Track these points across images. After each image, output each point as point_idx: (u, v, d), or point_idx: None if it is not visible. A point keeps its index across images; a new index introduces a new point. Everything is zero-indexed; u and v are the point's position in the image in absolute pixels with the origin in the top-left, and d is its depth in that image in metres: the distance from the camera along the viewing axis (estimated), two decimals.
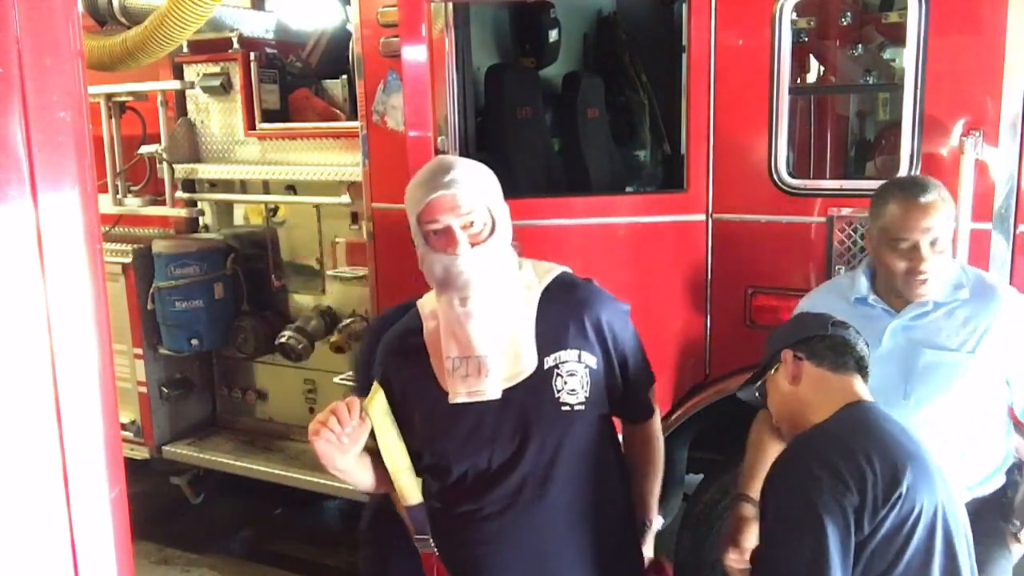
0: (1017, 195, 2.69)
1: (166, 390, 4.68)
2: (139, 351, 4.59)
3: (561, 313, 1.97)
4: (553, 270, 2.03)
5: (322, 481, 4.21)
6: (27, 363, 1.13)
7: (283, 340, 4.33)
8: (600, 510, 2.01)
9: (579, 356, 1.95)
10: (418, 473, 2.06)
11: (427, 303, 2.04)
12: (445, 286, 1.90)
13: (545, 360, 1.94)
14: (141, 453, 4.69)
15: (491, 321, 1.90)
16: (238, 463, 4.50)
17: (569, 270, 2.08)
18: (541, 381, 1.93)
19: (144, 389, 4.63)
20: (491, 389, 1.90)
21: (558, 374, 1.93)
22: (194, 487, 4.90)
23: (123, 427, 4.53)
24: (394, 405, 2.01)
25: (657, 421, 2.22)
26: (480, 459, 1.95)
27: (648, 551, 2.21)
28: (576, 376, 1.94)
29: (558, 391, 1.92)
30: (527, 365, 1.92)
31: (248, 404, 4.82)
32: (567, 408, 1.93)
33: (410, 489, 2.05)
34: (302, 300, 4.57)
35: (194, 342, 4.47)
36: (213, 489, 5.00)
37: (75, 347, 1.17)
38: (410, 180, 1.93)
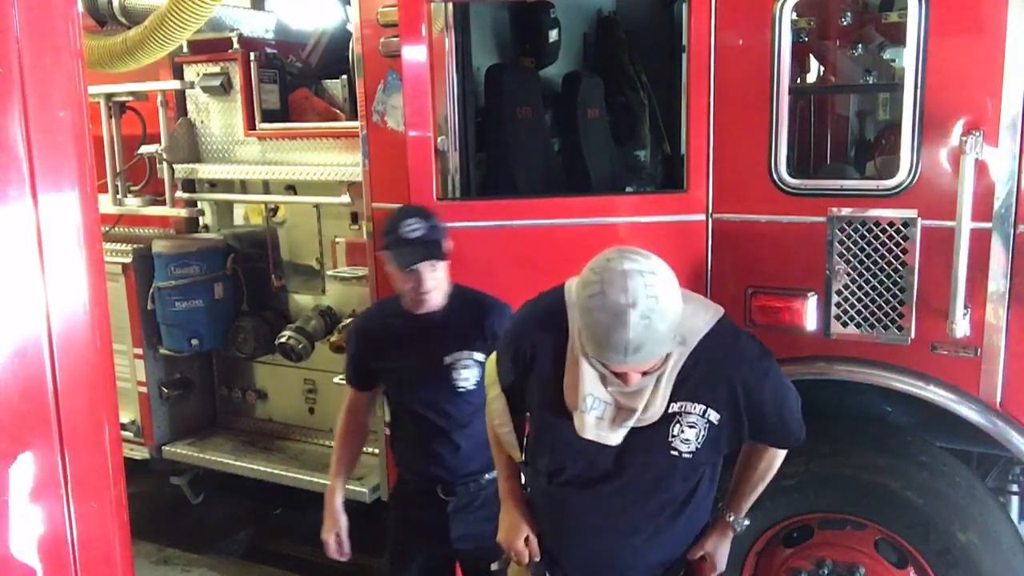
0: (1017, 195, 2.68)
1: (166, 390, 4.68)
2: (139, 351, 4.59)
3: (705, 368, 2.00)
4: (710, 322, 2.03)
5: (322, 481, 4.20)
6: (27, 363, 1.13)
7: (283, 340, 4.33)
8: (668, 531, 2.15)
9: (704, 412, 2.01)
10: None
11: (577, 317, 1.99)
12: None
13: (671, 405, 2.01)
14: (141, 453, 4.69)
15: (641, 388, 1.96)
16: (238, 463, 4.50)
17: (725, 313, 2.07)
18: (661, 422, 2.02)
19: (144, 389, 4.63)
20: (617, 440, 2.01)
21: (678, 422, 2.01)
22: (194, 487, 4.90)
23: (123, 427, 4.53)
24: (520, 366, 2.18)
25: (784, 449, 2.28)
26: (579, 466, 2.11)
27: (710, 547, 2.27)
28: (695, 428, 2.01)
29: (672, 436, 2.01)
30: (653, 415, 1.99)
31: (248, 404, 4.82)
32: (675, 454, 2.02)
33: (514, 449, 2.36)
34: (302, 300, 4.57)
35: (194, 342, 4.47)
36: (213, 489, 5.00)
37: (75, 347, 1.17)
38: (585, 303, 1.82)
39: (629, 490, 2.06)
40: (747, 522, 2.33)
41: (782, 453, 2.29)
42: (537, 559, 2.26)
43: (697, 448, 2.01)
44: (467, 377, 2.71)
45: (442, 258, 2.63)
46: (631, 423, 1.97)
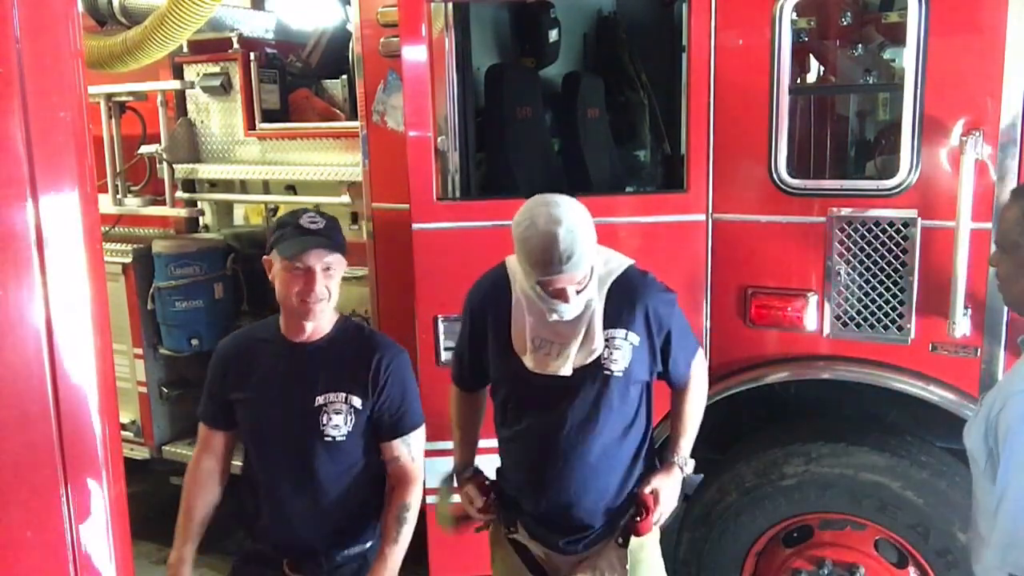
0: None
1: (166, 390, 4.67)
2: (139, 351, 4.58)
3: (621, 300, 2.35)
4: (622, 265, 2.40)
5: None
6: (27, 363, 1.13)
7: None
8: (616, 450, 2.41)
9: (626, 335, 2.34)
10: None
11: (518, 274, 2.34)
12: (546, 305, 2.26)
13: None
14: (141, 453, 4.69)
15: (576, 321, 2.29)
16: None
17: (633, 263, 2.43)
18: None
19: (144, 389, 4.63)
20: (566, 369, 2.31)
21: (608, 347, 2.33)
22: None
23: (123, 427, 4.53)
24: (479, 334, 2.47)
25: (697, 374, 2.54)
26: (536, 400, 2.40)
27: (656, 483, 2.45)
28: (621, 350, 2.33)
29: (605, 359, 2.33)
30: (597, 347, 2.31)
31: None
32: (608, 373, 2.33)
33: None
34: None
35: (194, 342, 4.46)
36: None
37: (75, 347, 1.17)
38: (522, 234, 2.18)
39: (578, 412, 2.35)
40: (692, 462, 2.53)
41: (699, 390, 2.55)
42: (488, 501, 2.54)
43: (626, 367, 2.34)
44: (337, 424, 2.36)
45: (339, 251, 2.35)
46: (573, 351, 2.29)
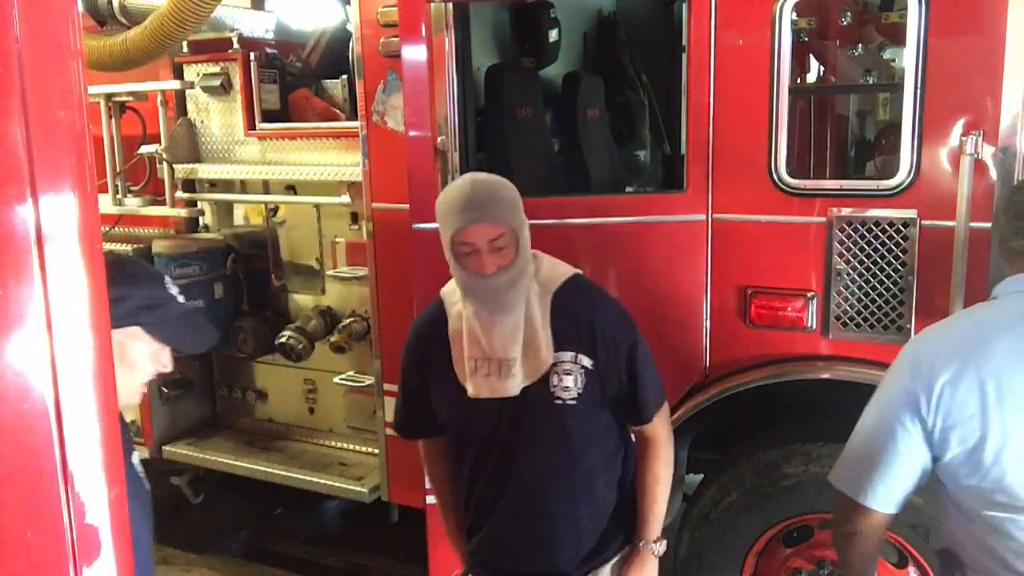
0: None
1: (166, 390, 4.68)
2: None
3: (568, 315, 2.11)
4: (567, 273, 2.18)
5: (322, 481, 4.22)
6: (27, 363, 1.12)
7: (283, 340, 4.33)
8: (586, 487, 2.19)
9: (575, 357, 2.11)
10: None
11: (452, 298, 2.21)
12: (472, 298, 2.10)
13: None
14: (141, 453, 4.69)
15: (513, 328, 2.08)
16: (238, 463, 4.50)
17: (580, 272, 2.22)
18: (541, 378, 2.12)
19: (144, 389, 4.63)
20: (513, 388, 2.09)
21: (555, 372, 2.10)
22: (194, 487, 4.90)
23: None
24: (423, 373, 2.25)
25: (660, 434, 2.27)
26: (488, 440, 2.17)
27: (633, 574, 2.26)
28: (571, 375, 2.10)
29: (554, 387, 2.10)
30: (545, 362, 2.08)
31: (248, 404, 4.82)
32: (559, 402, 2.10)
33: None
34: (302, 300, 4.57)
35: None
36: (213, 489, 5.00)
37: (75, 347, 1.17)
38: (441, 197, 2.08)
39: (533, 449, 2.14)
40: (663, 544, 2.33)
41: (664, 454, 2.27)
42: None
43: (579, 394, 2.09)
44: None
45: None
46: (517, 370, 2.07)
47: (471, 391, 2.11)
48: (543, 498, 2.17)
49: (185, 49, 4.39)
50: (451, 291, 2.23)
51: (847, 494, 1.89)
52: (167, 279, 1.79)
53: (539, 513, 2.19)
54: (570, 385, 2.09)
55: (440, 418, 2.27)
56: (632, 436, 2.32)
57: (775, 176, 2.97)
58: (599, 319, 2.13)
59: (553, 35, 4.17)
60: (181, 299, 1.76)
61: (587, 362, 2.10)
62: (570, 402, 2.10)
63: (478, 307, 2.09)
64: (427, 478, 2.53)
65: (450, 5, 3.24)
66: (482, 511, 2.26)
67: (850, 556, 1.97)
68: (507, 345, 2.07)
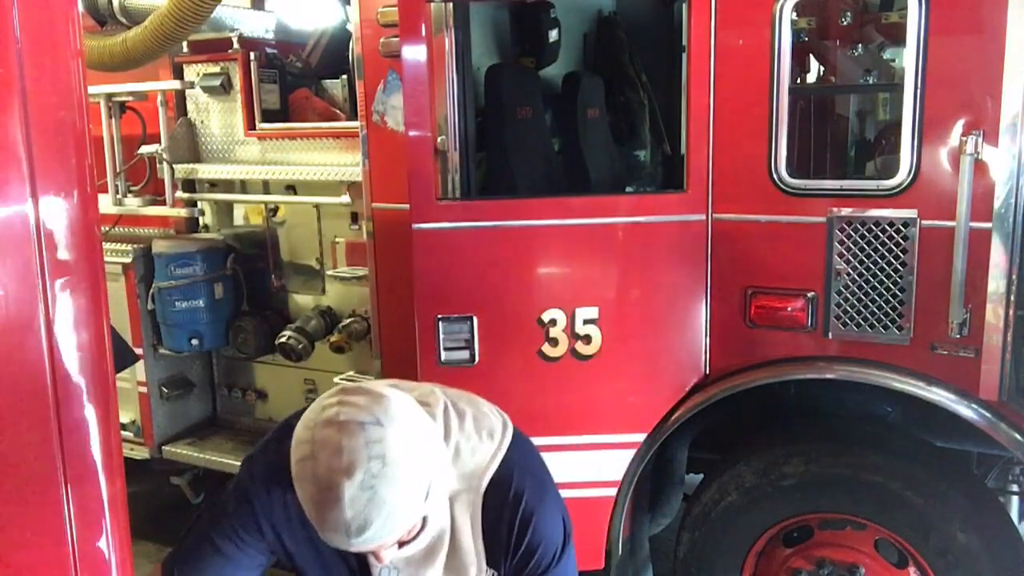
0: (1017, 195, 2.68)
1: (166, 390, 4.68)
2: (139, 351, 4.59)
3: (498, 520, 1.70)
4: (491, 464, 1.70)
5: None
6: (27, 363, 1.13)
7: (283, 340, 4.33)
8: None
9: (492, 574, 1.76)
10: None
11: None
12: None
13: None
14: (141, 453, 4.69)
15: (428, 547, 1.67)
16: (238, 463, 4.49)
17: (502, 458, 1.73)
18: None
19: (144, 389, 4.63)
20: None
21: None
22: (194, 487, 4.90)
23: (123, 427, 4.53)
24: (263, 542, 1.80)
25: None
26: None
27: None
28: None
29: None
30: (471, 563, 1.71)
31: (248, 404, 4.82)
32: None
33: None
34: (302, 300, 4.57)
35: (194, 342, 4.47)
36: (213, 489, 5.00)
37: (75, 347, 1.17)
38: (298, 484, 1.46)
39: None
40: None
41: None
42: None
43: None
44: None
45: None
46: None
47: None
48: None
49: (185, 49, 4.39)
50: None
51: None
52: None
53: None
54: None
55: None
56: None
57: (775, 176, 2.97)
58: (535, 540, 1.71)
59: (553, 35, 4.17)
60: None
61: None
62: None
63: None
64: None
65: (450, 5, 3.24)
66: None
67: None
68: (422, 566, 1.69)
